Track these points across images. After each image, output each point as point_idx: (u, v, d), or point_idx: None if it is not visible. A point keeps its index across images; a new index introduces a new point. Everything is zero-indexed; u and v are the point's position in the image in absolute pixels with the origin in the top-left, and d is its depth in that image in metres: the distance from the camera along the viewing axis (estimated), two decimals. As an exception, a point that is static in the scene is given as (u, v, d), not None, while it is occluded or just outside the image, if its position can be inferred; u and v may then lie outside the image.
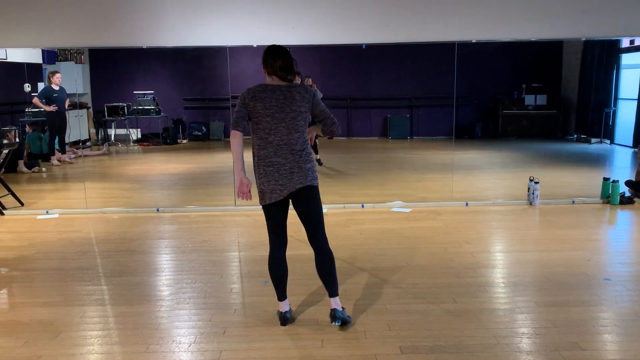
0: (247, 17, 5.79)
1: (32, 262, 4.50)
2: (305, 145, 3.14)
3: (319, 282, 3.84)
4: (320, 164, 8.94)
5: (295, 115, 3.07)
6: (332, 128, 3.24)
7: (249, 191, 3.08)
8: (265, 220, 3.22)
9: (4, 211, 6.17)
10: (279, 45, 3.21)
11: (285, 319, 3.22)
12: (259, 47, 6.14)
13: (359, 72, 13.30)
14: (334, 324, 3.15)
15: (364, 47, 11.36)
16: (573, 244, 4.72)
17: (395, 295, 3.66)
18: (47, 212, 6.16)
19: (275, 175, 3.06)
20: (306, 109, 3.11)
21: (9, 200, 6.39)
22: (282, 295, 3.25)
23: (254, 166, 3.16)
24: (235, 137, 3.05)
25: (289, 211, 3.21)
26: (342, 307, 3.22)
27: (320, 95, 9.78)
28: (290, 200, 3.15)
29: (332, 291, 3.20)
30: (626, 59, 11.36)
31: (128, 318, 3.38)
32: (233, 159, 3.09)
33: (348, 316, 3.23)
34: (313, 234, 3.20)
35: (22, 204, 6.46)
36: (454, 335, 3.08)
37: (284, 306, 3.25)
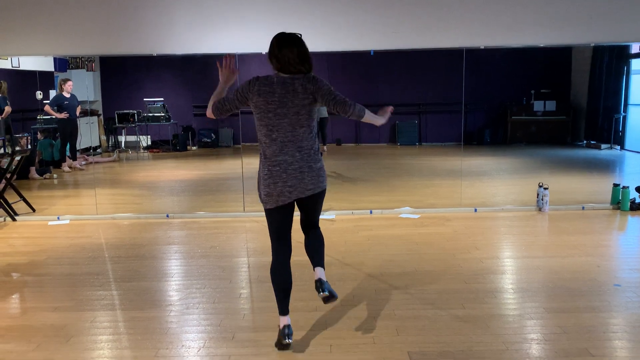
0: (256, 24, 5.84)
1: (43, 267, 4.55)
2: (313, 142, 2.92)
3: (328, 288, 3.85)
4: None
5: (299, 110, 2.84)
6: (347, 112, 2.84)
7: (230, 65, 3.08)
8: (267, 226, 3.06)
9: (15, 217, 6.23)
10: (284, 35, 2.90)
11: (285, 335, 2.95)
12: (267, 54, 6.18)
13: (367, 79, 13.34)
14: (324, 294, 2.93)
15: (372, 53, 11.39)
16: (583, 250, 4.70)
17: (404, 301, 3.66)
18: (58, 218, 6.22)
19: (283, 176, 2.85)
20: (310, 101, 2.85)
21: (20, 207, 6.46)
22: (284, 309, 2.99)
23: (260, 166, 2.96)
24: (209, 109, 3.05)
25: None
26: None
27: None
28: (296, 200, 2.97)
29: (319, 262, 3.04)
30: (636, 64, 11.31)
31: (138, 323, 3.40)
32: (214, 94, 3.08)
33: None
34: (310, 224, 3.12)
35: (34, 210, 6.52)
36: (462, 341, 3.07)
37: (285, 320, 2.98)
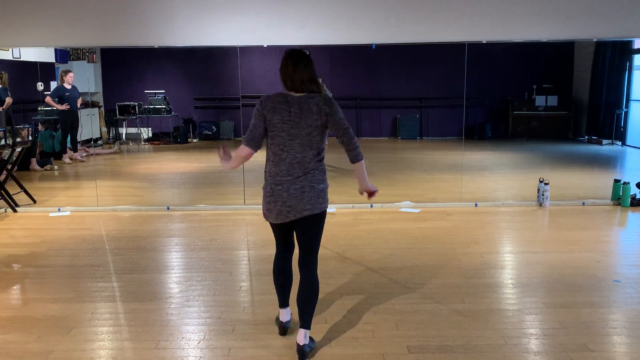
0: (258, 17, 5.82)
1: (44, 258, 4.56)
2: (320, 163, 2.89)
3: (327, 282, 3.88)
4: None
5: (311, 131, 2.80)
6: (348, 150, 2.84)
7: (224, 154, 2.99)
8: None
9: (16, 208, 6.24)
10: (296, 53, 2.86)
11: (284, 329, 3.07)
12: (269, 47, 6.17)
13: (368, 72, 13.30)
14: None
15: (373, 47, 11.36)
16: (583, 246, 4.71)
17: (404, 295, 3.67)
18: (59, 209, 6.23)
19: (283, 196, 2.82)
20: (323, 122, 2.81)
21: (21, 198, 6.47)
22: (284, 302, 3.09)
23: (264, 180, 2.95)
24: (243, 151, 2.90)
25: None
26: (310, 338, 2.94)
27: (329, 94, 9.78)
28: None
29: (306, 322, 2.90)
30: (639, 60, 11.27)
31: (138, 315, 3.41)
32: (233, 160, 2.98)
33: (312, 346, 2.96)
34: (306, 260, 2.96)
35: (35, 202, 6.53)
36: (461, 335, 3.08)
37: (284, 315, 3.09)
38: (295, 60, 2.83)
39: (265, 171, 2.95)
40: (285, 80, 2.85)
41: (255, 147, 2.90)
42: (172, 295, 3.72)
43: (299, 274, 2.98)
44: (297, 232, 2.96)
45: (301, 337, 2.87)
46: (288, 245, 3.09)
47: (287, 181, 2.82)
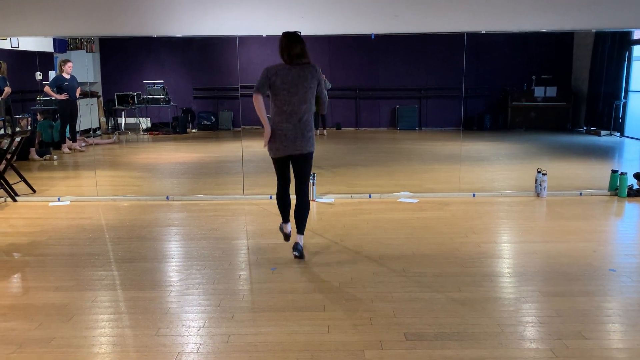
0: (257, 6, 5.81)
1: (44, 247, 4.59)
2: (309, 116, 3.94)
3: (326, 270, 3.91)
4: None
5: (306, 90, 3.86)
6: (323, 106, 4.05)
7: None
8: (274, 168, 4.14)
9: (16, 198, 6.26)
10: (291, 34, 3.84)
11: (287, 236, 4.25)
12: (268, 36, 6.17)
13: (367, 63, 13.28)
14: (295, 253, 4.07)
15: (373, 37, 11.34)
16: (580, 236, 4.74)
17: (401, 283, 3.70)
18: (58, 199, 6.25)
19: (282, 138, 3.91)
20: (314, 84, 3.90)
21: (21, 187, 6.49)
22: (287, 218, 4.25)
23: (269, 124, 3.94)
24: (258, 99, 3.85)
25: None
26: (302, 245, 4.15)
27: (329, 86, 9.78)
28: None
29: (301, 230, 4.15)
30: (638, 50, 11.26)
31: (138, 302, 3.44)
32: (259, 115, 3.86)
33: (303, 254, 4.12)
34: (300, 189, 4.10)
35: (34, 191, 6.55)
36: (458, 323, 3.12)
37: (287, 227, 4.24)
38: (289, 39, 3.85)
39: (269, 117, 3.93)
40: (282, 54, 3.86)
41: (264, 94, 3.89)
42: (172, 284, 3.75)
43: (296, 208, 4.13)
44: (293, 166, 4.05)
45: (297, 238, 4.14)
46: (286, 180, 4.14)
47: (285, 127, 3.89)
